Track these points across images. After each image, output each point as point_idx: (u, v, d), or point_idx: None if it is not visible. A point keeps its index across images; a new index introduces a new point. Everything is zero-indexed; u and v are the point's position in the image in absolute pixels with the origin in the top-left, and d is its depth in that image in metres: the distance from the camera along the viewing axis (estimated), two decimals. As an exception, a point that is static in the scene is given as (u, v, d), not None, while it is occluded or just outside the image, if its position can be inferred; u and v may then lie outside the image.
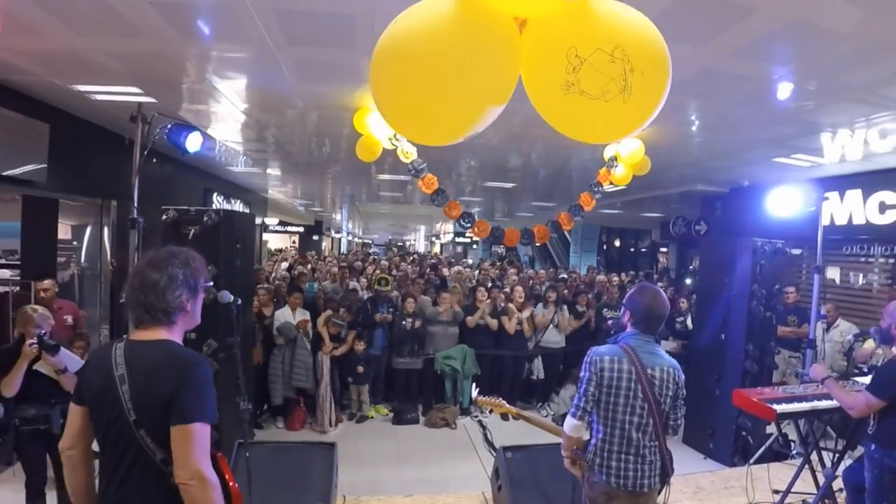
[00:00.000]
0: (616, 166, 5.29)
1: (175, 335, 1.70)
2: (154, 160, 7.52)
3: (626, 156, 5.20)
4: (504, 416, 3.34)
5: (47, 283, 4.58)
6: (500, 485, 3.56)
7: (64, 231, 7.16)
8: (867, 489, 3.06)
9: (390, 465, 4.98)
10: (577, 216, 5.52)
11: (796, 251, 8.85)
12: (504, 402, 3.23)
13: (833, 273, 8.29)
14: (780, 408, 3.41)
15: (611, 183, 5.46)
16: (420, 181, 4.79)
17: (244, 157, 8.29)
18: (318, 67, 4.03)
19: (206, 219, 4.21)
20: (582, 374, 2.40)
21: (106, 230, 7.12)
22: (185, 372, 1.57)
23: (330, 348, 5.79)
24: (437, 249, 30.60)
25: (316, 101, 4.81)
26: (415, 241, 38.13)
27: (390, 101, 1.68)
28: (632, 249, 18.31)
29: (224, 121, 5.98)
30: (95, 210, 7.07)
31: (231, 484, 1.70)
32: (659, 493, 2.49)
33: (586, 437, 2.45)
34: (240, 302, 2.98)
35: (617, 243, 18.35)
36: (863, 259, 7.86)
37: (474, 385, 3.30)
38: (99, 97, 5.14)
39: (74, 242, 7.35)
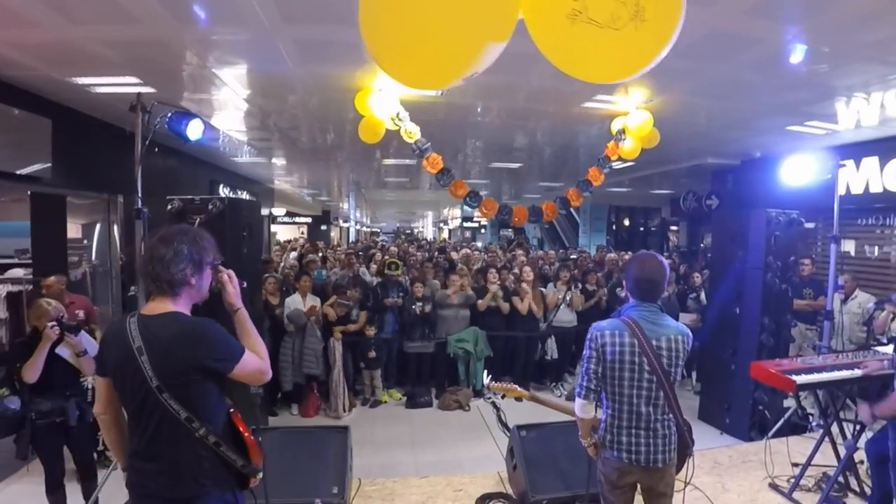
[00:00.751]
0: (624, 139, 5.17)
1: (181, 307, 1.83)
2: (158, 152, 7.52)
3: (635, 128, 5.07)
4: (518, 399, 3.30)
5: (52, 279, 4.58)
6: (515, 464, 3.53)
7: (74, 230, 7.20)
8: (892, 459, 2.99)
9: (405, 448, 4.98)
10: (585, 192, 5.41)
11: (810, 225, 8.68)
12: (516, 385, 3.18)
13: (849, 245, 8.14)
14: (800, 378, 3.33)
15: (619, 157, 5.34)
16: (425, 161, 4.72)
17: (248, 147, 8.26)
18: (317, 47, 3.96)
19: (210, 207, 4.16)
20: (584, 352, 2.34)
21: (115, 227, 7.17)
22: (202, 336, 1.76)
23: (338, 334, 5.78)
24: (445, 235, 30.55)
25: (317, 83, 4.74)
26: (423, 228, 38.07)
27: (382, 40, 1.57)
28: (641, 228, 18.10)
29: (226, 109, 5.94)
30: (103, 206, 7.12)
31: (245, 435, 1.91)
32: (679, 468, 2.43)
33: (599, 415, 2.39)
34: (245, 285, 2.94)
35: (626, 222, 18.17)
36: (878, 230, 7.72)
37: (486, 371, 3.25)
38: (98, 89, 5.12)
39: (85, 241, 7.40)
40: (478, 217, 23.95)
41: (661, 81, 4.58)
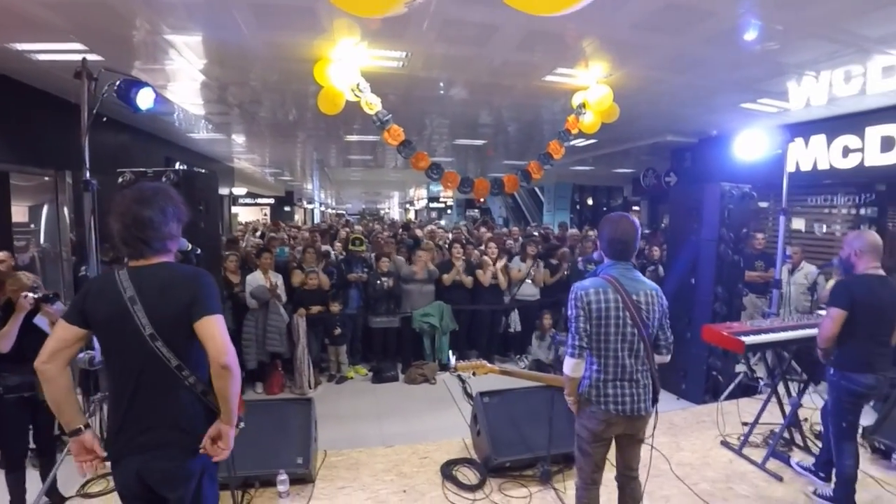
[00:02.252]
0: (584, 113, 5.23)
1: (170, 258, 1.92)
2: (109, 127, 7.18)
3: (595, 102, 5.13)
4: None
5: (2, 254, 4.35)
6: (478, 429, 3.60)
7: (21, 214, 6.84)
8: (828, 411, 3.20)
9: (371, 421, 5.00)
10: (546, 164, 5.46)
11: (763, 204, 9.05)
12: (484, 362, 3.20)
13: (799, 223, 8.62)
14: (749, 339, 3.50)
15: (580, 130, 5.39)
16: (386, 133, 4.66)
17: (206, 122, 7.96)
18: (273, 12, 3.82)
19: (164, 180, 4.02)
20: (570, 312, 2.40)
21: (65, 208, 6.82)
22: (197, 281, 1.81)
23: (302, 310, 5.71)
24: (411, 216, 30.39)
25: (274, 52, 4.59)
26: (389, 209, 37.80)
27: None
28: (605, 208, 18.47)
29: (180, 80, 5.68)
30: (50, 186, 6.76)
31: None
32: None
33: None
34: (199, 252, 2.88)
35: (590, 201, 18.51)
36: (826, 210, 8.21)
37: (451, 352, 3.27)
38: (41, 57, 4.81)
39: (32, 225, 7.03)
40: (444, 197, 23.94)
41: (621, 55, 4.64)
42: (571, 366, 2.38)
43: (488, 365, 3.22)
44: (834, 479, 3.17)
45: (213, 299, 1.81)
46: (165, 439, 1.81)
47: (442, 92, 5.77)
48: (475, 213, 22.21)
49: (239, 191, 16.46)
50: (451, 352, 3.29)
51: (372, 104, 4.53)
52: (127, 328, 1.74)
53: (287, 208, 22.34)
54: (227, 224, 14.27)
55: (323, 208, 29.72)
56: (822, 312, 4.12)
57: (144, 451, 1.81)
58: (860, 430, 3.41)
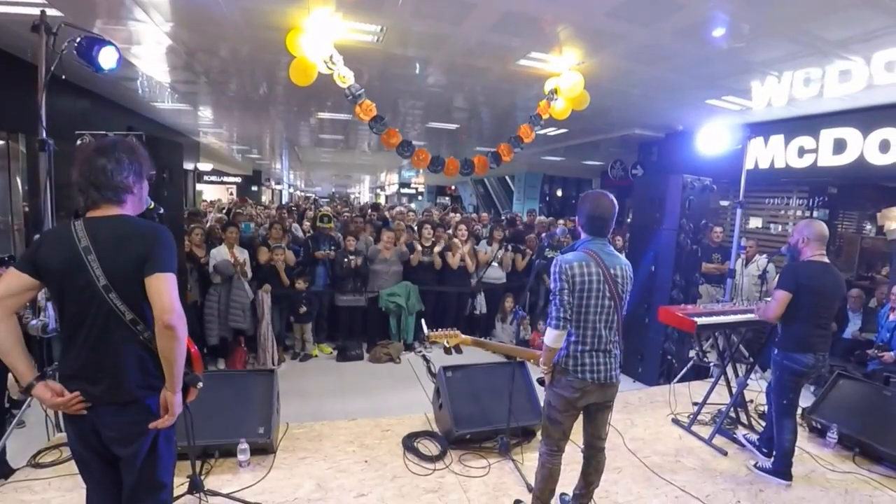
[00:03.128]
0: (556, 99, 5.30)
1: (128, 210, 1.87)
2: (68, 91, 6.88)
3: (566, 89, 5.21)
4: (457, 349, 3.31)
5: None
6: (441, 403, 3.66)
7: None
8: (771, 388, 3.40)
9: (334, 397, 5.02)
10: (516, 147, 5.52)
11: (724, 202, 9.40)
12: (458, 332, 3.19)
13: (756, 222, 9.04)
14: (701, 320, 3.66)
15: (550, 116, 5.47)
16: (358, 108, 4.62)
17: (171, 92, 7.69)
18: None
19: (126, 144, 3.88)
20: (553, 285, 2.45)
21: (18, 178, 6.48)
22: (155, 235, 1.79)
23: (268, 286, 5.64)
24: (382, 201, 30.19)
25: (247, 18, 4.47)
26: (359, 193, 37.39)
27: None
28: (574, 201, 18.79)
29: (145, 43, 5.46)
30: (1, 153, 6.42)
31: (192, 349, 1.94)
32: None
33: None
34: (162, 211, 2.83)
35: (559, 193, 18.76)
36: (781, 211, 8.65)
37: (423, 322, 3.26)
38: (-7, 8, 4.55)
39: None
40: (415, 183, 23.86)
41: (594, 43, 4.72)
42: (554, 337, 2.44)
43: (462, 335, 3.20)
44: (775, 452, 3.37)
45: (168, 257, 1.78)
46: (118, 393, 1.80)
47: (417, 71, 5.74)
48: (446, 200, 22.22)
49: (205, 166, 15.96)
50: (423, 322, 3.27)
51: (345, 77, 4.48)
52: (80, 278, 1.73)
53: (254, 188, 21.84)
54: (192, 200, 13.87)
55: (292, 190, 29.22)
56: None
57: (96, 403, 1.80)
58: (799, 411, 3.65)
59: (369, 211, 9.82)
